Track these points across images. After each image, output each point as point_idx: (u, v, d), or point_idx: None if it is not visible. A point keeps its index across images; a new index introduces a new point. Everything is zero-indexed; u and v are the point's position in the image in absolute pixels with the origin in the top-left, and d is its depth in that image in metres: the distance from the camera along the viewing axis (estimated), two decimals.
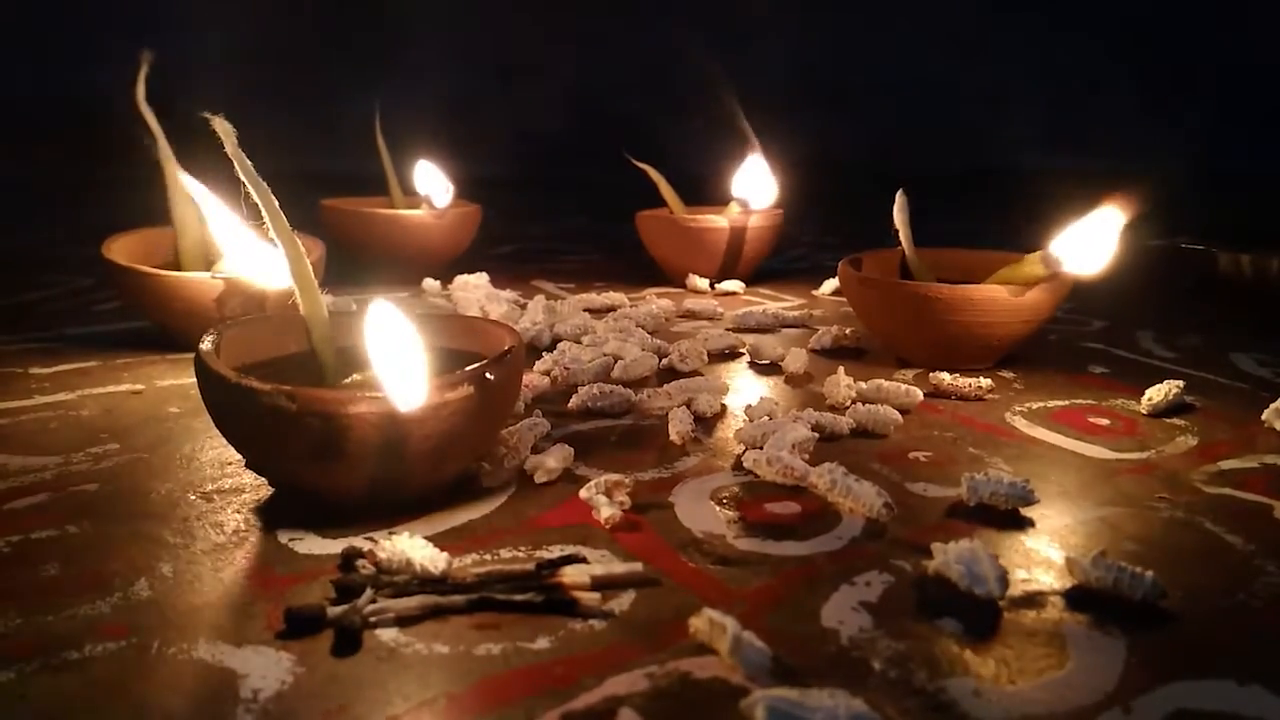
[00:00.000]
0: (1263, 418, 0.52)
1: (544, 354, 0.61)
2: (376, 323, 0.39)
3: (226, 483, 0.43)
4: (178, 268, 0.65)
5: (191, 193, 0.54)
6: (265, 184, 0.42)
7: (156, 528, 0.38)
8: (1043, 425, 0.52)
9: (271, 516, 0.39)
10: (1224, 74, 1.97)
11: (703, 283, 0.89)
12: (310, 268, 0.44)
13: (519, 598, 0.32)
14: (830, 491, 0.41)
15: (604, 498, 0.40)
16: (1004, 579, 0.33)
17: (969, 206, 1.36)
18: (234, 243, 0.56)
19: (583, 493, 0.41)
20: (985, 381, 0.57)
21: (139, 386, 0.56)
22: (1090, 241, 0.56)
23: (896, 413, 0.51)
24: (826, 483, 0.41)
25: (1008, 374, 0.62)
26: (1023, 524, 0.40)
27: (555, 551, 0.36)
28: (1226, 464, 0.47)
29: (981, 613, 0.33)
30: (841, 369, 0.56)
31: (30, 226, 1.23)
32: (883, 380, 0.55)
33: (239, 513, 0.40)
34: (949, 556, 0.34)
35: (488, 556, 0.36)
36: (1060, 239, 0.57)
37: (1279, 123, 1.91)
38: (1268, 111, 1.95)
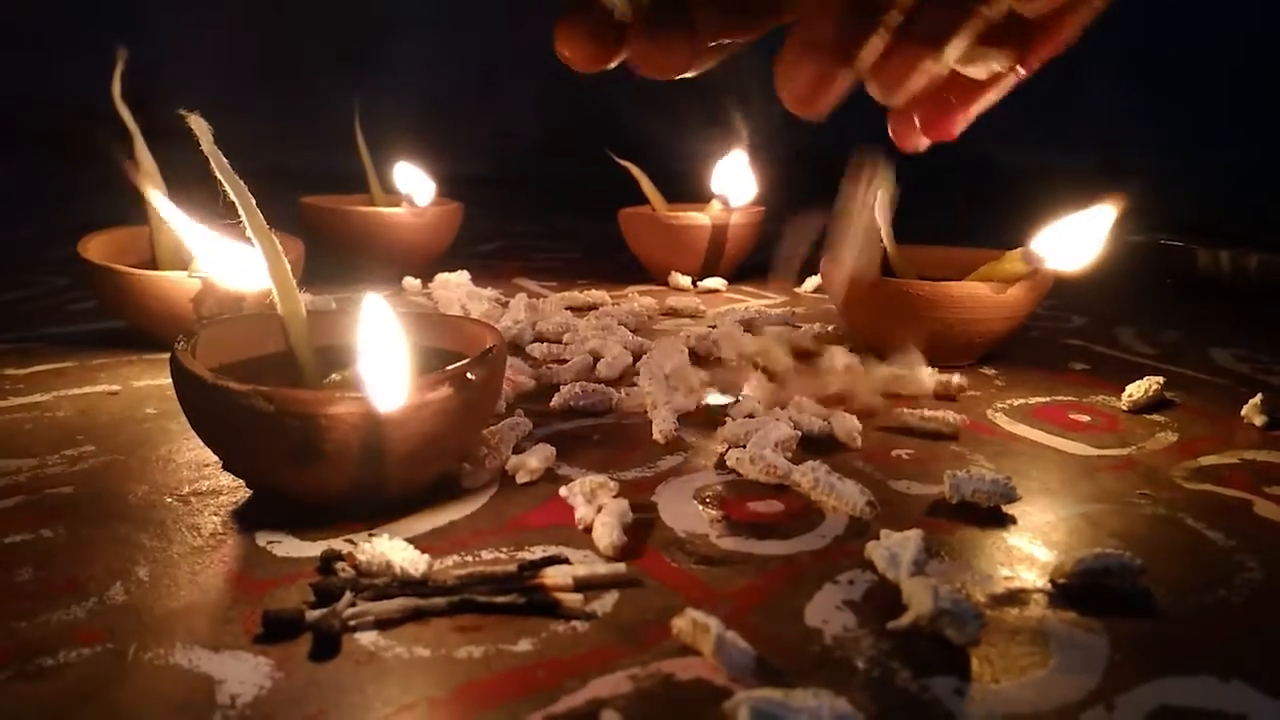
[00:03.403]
0: (1242, 413, 0.53)
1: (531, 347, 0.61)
2: (368, 317, 0.39)
3: (204, 485, 0.42)
4: (154, 267, 0.64)
5: (159, 209, 0.53)
6: (242, 182, 0.41)
7: (133, 531, 0.38)
8: (1024, 422, 0.52)
9: (249, 519, 0.39)
10: (1205, 71, 1.99)
11: (685, 280, 0.89)
12: (288, 267, 0.43)
13: (501, 600, 0.32)
14: (813, 490, 0.41)
15: (583, 498, 0.39)
16: (921, 566, 0.34)
17: (950, 203, 1.37)
18: (207, 248, 0.55)
19: (562, 491, 0.40)
20: (952, 418, 0.51)
21: (115, 387, 0.56)
22: (1071, 238, 0.57)
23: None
24: (809, 481, 0.41)
25: (989, 371, 0.62)
26: (1005, 521, 0.40)
27: (537, 552, 0.36)
28: (1206, 460, 0.47)
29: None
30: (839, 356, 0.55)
31: (4, 226, 1.21)
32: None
33: (216, 515, 0.39)
34: (883, 542, 0.35)
35: (469, 558, 0.36)
36: (1041, 236, 0.58)
37: (1257, 118, 1.93)
38: (1247, 108, 1.96)
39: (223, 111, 0.43)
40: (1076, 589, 0.34)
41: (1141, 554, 0.35)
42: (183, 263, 0.64)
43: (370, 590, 0.32)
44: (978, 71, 0.31)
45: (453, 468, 0.43)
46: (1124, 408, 0.54)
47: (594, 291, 0.81)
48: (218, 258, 0.56)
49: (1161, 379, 0.55)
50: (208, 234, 0.54)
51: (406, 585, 0.33)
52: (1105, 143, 1.88)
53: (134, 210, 0.65)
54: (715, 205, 0.90)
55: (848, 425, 0.48)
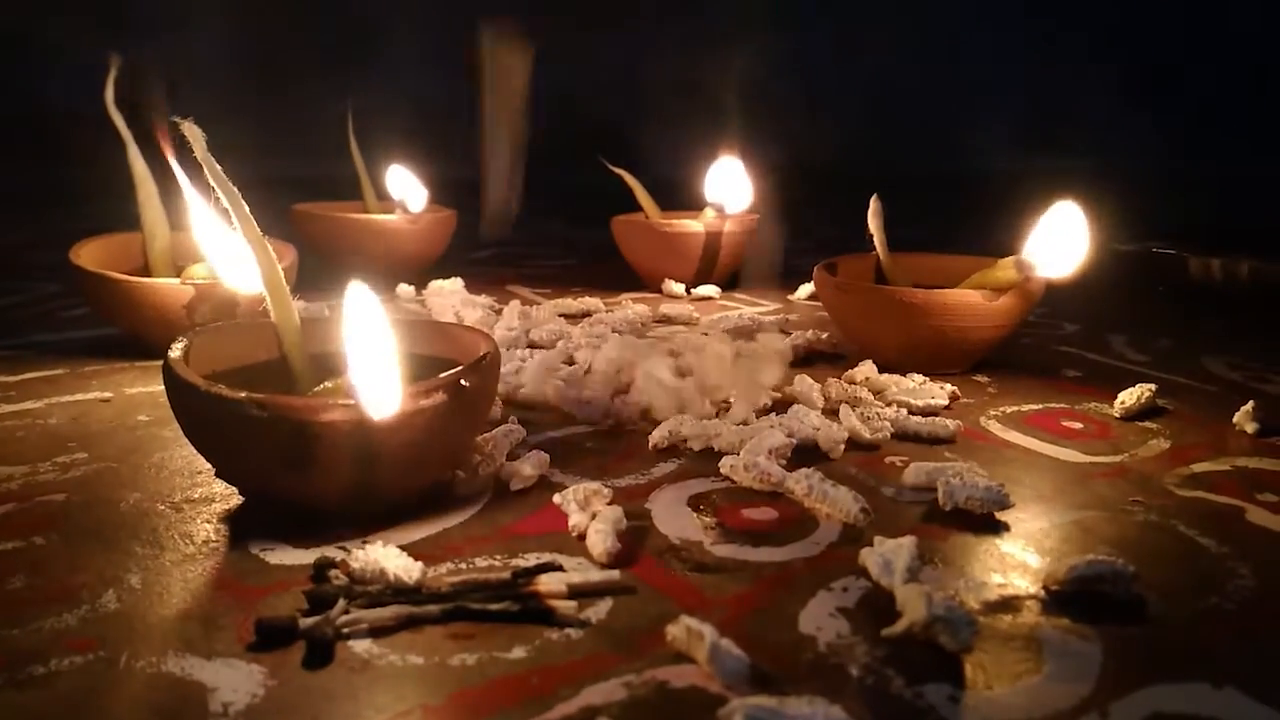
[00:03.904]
0: (1234, 420, 0.53)
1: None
2: (354, 311, 0.39)
3: (196, 492, 0.42)
4: (147, 273, 0.64)
5: (182, 185, 0.52)
6: (235, 189, 0.41)
7: (125, 538, 0.37)
8: (1017, 429, 0.52)
9: (242, 526, 0.39)
10: (1198, 77, 2.00)
11: (679, 287, 0.89)
12: (282, 273, 0.43)
13: (495, 607, 0.32)
14: (807, 497, 0.41)
15: (576, 506, 0.39)
16: (915, 572, 0.34)
17: (943, 211, 1.37)
18: (215, 241, 0.55)
19: (556, 498, 0.40)
20: (950, 424, 0.51)
21: (108, 394, 0.56)
22: (1062, 245, 0.57)
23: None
24: (804, 488, 0.41)
25: (982, 378, 0.62)
26: (998, 528, 0.40)
27: (531, 559, 0.36)
28: (1199, 467, 0.47)
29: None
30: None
31: None
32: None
33: (209, 522, 0.39)
34: (877, 549, 0.35)
35: (463, 565, 0.36)
36: (1033, 243, 0.58)
37: (1249, 125, 1.94)
38: (1239, 114, 1.97)
39: (216, 118, 0.43)
40: (1069, 596, 0.34)
41: (1134, 561, 0.35)
42: (176, 269, 0.64)
43: (364, 598, 0.32)
44: None
45: (446, 475, 0.43)
46: (1116, 415, 0.54)
47: (588, 299, 0.81)
48: (224, 249, 0.55)
49: (1154, 386, 0.55)
50: (218, 226, 0.54)
51: (400, 593, 0.33)
52: (1099, 149, 1.89)
53: (127, 216, 0.65)
54: (709, 213, 0.90)
55: (832, 435, 0.48)
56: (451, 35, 1.82)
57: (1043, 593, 0.35)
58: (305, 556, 0.36)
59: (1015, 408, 0.56)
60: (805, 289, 0.90)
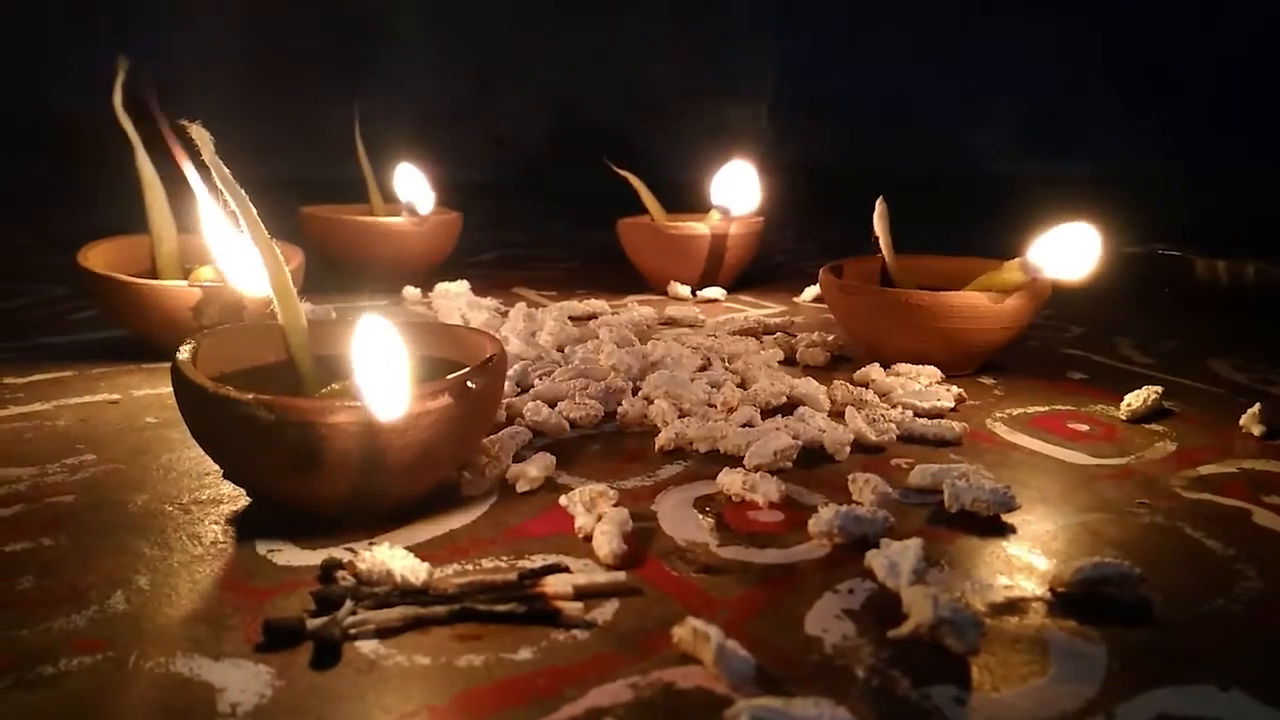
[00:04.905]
0: (1240, 423, 0.53)
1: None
2: (364, 336, 0.39)
3: (204, 493, 0.42)
4: (155, 276, 0.64)
5: (192, 185, 0.52)
6: (243, 191, 0.42)
7: (133, 539, 0.38)
8: (1023, 431, 0.52)
9: (250, 527, 0.39)
10: (1199, 78, 1.99)
11: (684, 290, 0.89)
12: (289, 276, 0.43)
13: (501, 608, 0.32)
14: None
15: (583, 507, 0.39)
16: (921, 574, 0.34)
17: (948, 213, 1.37)
18: (224, 243, 0.55)
19: (563, 500, 0.40)
20: (956, 426, 0.52)
21: (116, 396, 0.56)
22: (1069, 248, 0.57)
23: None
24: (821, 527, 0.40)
25: (988, 380, 0.62)
26: (1004, 530, 0.40)
27: (537, 561, 0.36)
28: (1205, 469, 0.47)
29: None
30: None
31: (3, 232, 1.21)
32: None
33: (217, 524, 0.39)
34: (883, 551, 0.35)
35: (469, 566, 0.36)
36: (1039, 245, 0.58)
37: (1254, 126, 1.94)
38: (1242, 115, 1.97)
39: (223, 120, 0.43)
40: (1075, 598, 0.34)
41: (1140, 563, 0.35)
42: (184, 272, 0.65)
43: (371, 599, 0.32)
44: None
45: (453, 476, 0.43)
46: (1123, 417, 0.54)
47: (593, 301, 0.81)
48: (235, 255, 0.55)
49: (1160, 388, 0.55)
50: (226, 228, 0.53)
51: (407, 594, 0.33)
52: (1102, 152, 1.89)
53: (134, 218, 0.65)
54: (714, 215, 0.90)
55: (838, 437, 0.48)
56: (458, 38, 1.83)
57: (1049, 595, 0.35)
58: (312, 557, 0.36)
59: (1021, 410, 0.56)
60: (811, 291, 0.90)
